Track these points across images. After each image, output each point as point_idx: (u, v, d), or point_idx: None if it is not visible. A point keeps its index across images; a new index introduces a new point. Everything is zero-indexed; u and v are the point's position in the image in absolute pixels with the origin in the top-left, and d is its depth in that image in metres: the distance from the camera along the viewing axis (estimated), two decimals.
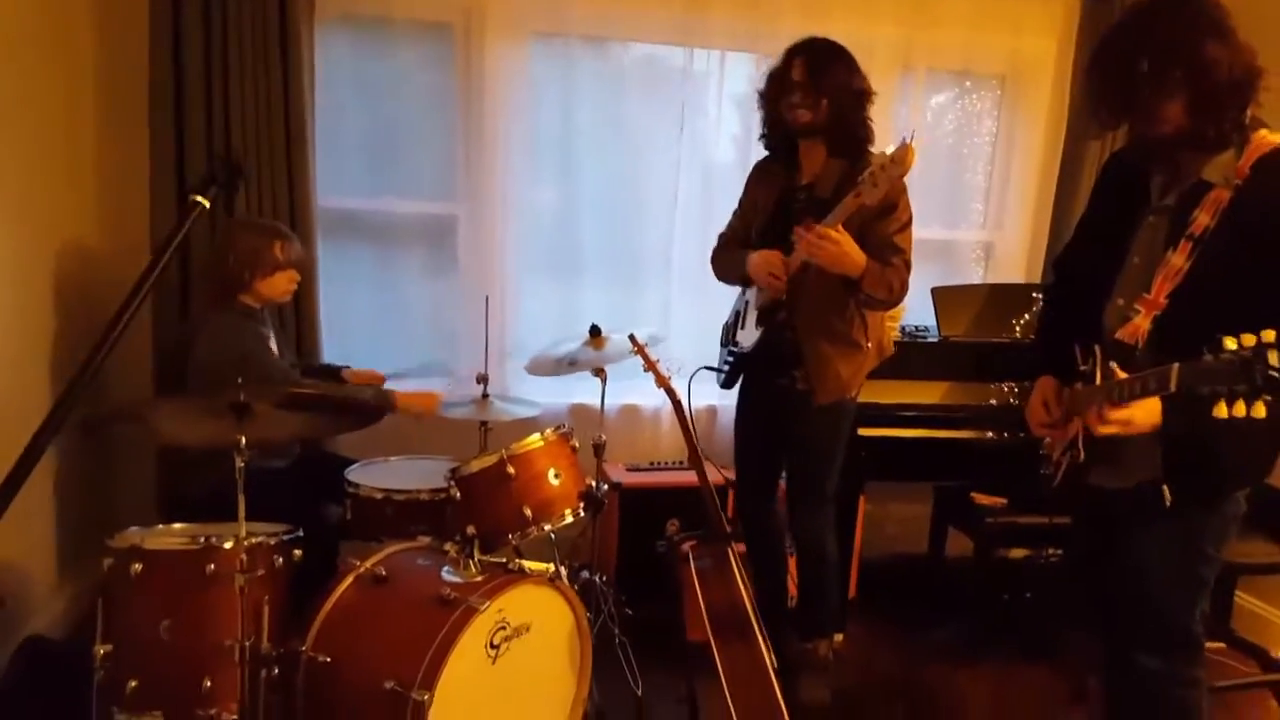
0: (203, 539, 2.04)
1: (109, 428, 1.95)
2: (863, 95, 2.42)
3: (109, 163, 2.98)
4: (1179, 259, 1.65)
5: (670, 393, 2.26)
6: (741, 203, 2.74)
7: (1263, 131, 1.62)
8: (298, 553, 2.17)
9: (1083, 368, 1.84)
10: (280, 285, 2.67)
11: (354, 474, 2.62)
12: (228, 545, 2.01)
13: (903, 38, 3.36)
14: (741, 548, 2.81)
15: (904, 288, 2.42)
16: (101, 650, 1.98)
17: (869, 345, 2.53)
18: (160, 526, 2.24)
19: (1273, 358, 1.33)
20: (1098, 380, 1.75)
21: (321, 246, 3.12)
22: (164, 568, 2.01)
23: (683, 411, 2.27)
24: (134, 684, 1.97)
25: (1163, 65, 1.58)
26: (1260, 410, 1.35)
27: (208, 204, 1.42)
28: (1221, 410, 1.37)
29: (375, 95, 3.19)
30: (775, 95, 2.47)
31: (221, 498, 2.46)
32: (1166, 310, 1.66)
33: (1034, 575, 3.62)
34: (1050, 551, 3.66)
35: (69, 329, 2.76)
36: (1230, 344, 1.37)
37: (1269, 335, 1.35)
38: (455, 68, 3.20)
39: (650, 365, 2.29)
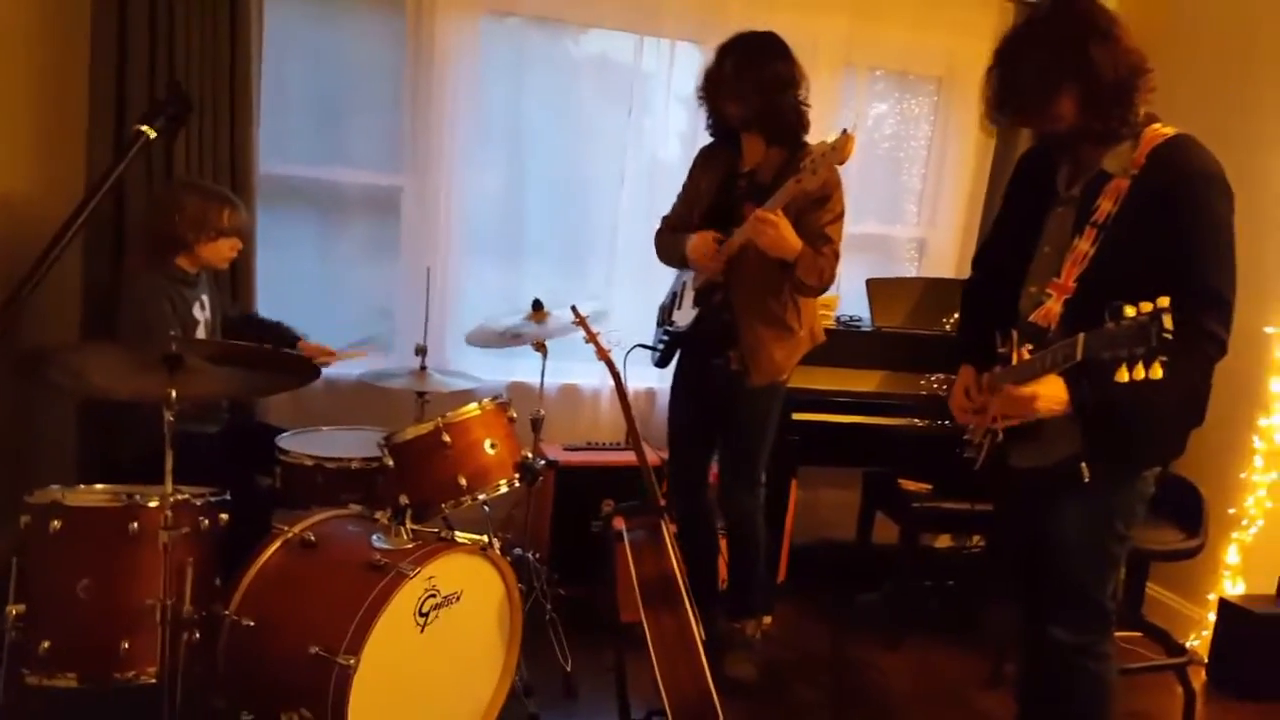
0: (126, 496, 1.99)
1: (37, 371, 1.88)
2: (793, 82, 2.48)
3: (47, 116, 2.90)
4: (1085, 245, 1.77)
5: (610, 365, 2.28)
6: (686, 187, 2.79)
7: (1155, 125, 1.74)
8: (224, 516, 2.14)
9: (1000, 350, 1.93)
10: (222, 251, 2.64)
11: (285, 441, 2.59)
12: (152, 504, 1.97)
13: (846, 34, 3.44)
14: (674, 528, 2.88)
15: (832, 276, 2.50)
16: (14, 611, 1.93)
17: (802, 331, 2.60)
18: (81, 486, 2.17)
19: (1166, 321, 1.45)
20: (1014, 361, 1.84)
21: (262, 213, 3.07)
22: (84, 525, 1.96)
23: (621, 383, 2.29)
24: (47, 645, 1.92)
25: (1051, 67, 1.71)
26: (1157, 371, 1.46)
27: (154, 134, 1.38)
28: (1123, 374, 1.47)
29: (324, 63, 3.16)
30: (711, 93, 2.54)
31: (148, 463, 2.40)
32: (1075, 293, 1.77)
33: (957, 563, 3.75)
34: (973, 541, 3.81)
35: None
36: (1129, 311, 1.49)
37: (1163, 301, 1.46)
38: (405, 41, 3.18)
39: (591, 337, 2.31)
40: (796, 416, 3.01)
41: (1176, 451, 1.93)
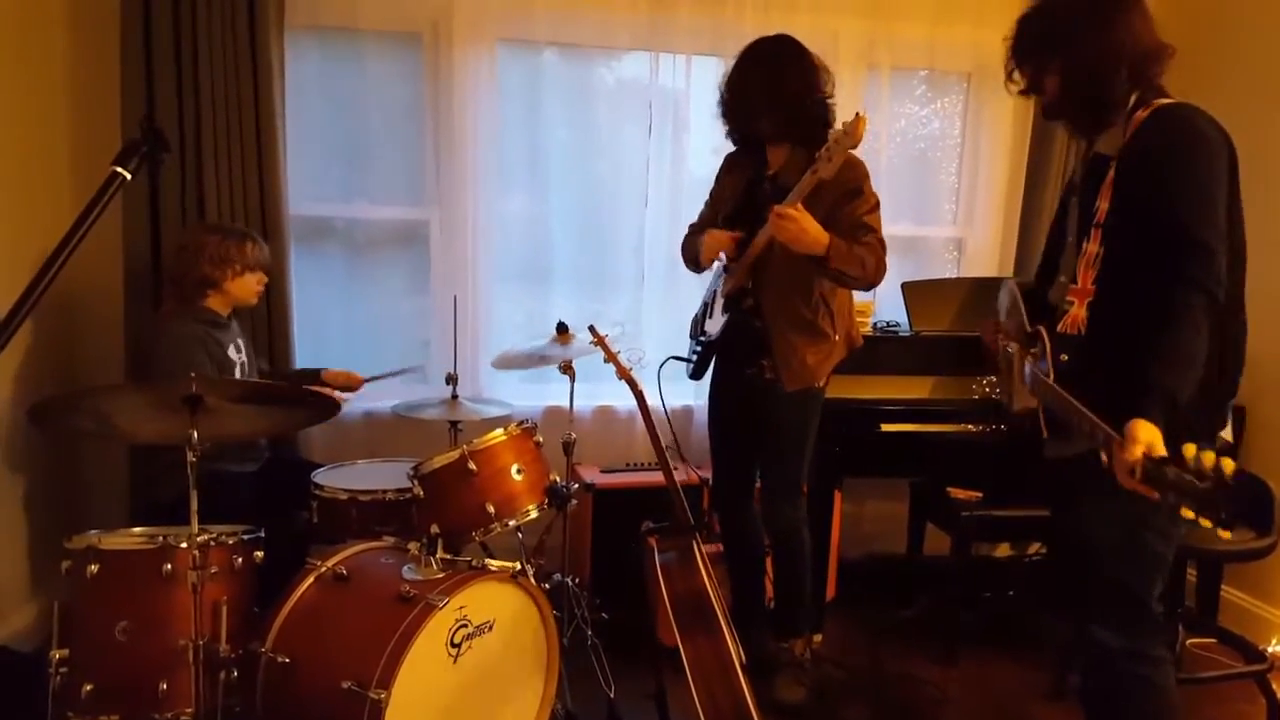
0: (160, 539, 2.02)
1: (60, 419, 1.92)
2: (818, 85, 2.42)
3: (83, 173, 2.98)
4: (1093, 246, 1.76)
5: (631, 384, 2.25)
6: (712, 193, 2.76)
7: (1159, 100, 1.72)
8: (259, 554, 2.15)
9: (1032, 349, 1.87)
10: (250, 285, 2.70)
11: (320, 476, 2.61)
12: (184, 545, 1.98)
13: (866, 34, 3.38)
14: (719, 547, 2.82)
15: (880, 266, 2.40)
16: (58, 655, 1.96)
17: (836, 335, 2.53)
18: (121, 529, 2.21)
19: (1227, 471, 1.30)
20: (1050, 365, 1.80)
21: (294, 253, 3.13)
22: (120, 568, 1.99)
23: (644, 402, 2.26)
24: (89, 687, 1.95)
25: (1044, 37, 1.77)
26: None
27: (129, 175, 1.39)
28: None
29: (346, 103, 3.21)
30: (736, 110, 2.48)
31: (189, 503, 2.46)
32: (1096, 295, 1.75)
33: (1016, 572, 3.61)
34: (1034, 550, 3.67)
35: (43, 328, 2.80)
36: (1189, 454, 1.35)
37: (1227, 465, 1.31)
38: (424, 75, 3.23)
39: (610, 356, 2.28)
40: (838, 428, 2.92)
41: (1206, 426, 1.77)
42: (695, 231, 2.73)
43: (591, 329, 2.37)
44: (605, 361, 2.29)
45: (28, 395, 2.69)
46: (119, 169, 1.38)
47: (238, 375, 2.66)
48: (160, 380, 2.48)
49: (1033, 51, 1.81)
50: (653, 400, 3.11)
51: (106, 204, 1.37)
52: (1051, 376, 1.78)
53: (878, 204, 2.44)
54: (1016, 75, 1.86)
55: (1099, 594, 1.81)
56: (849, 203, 2.38)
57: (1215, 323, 1.61)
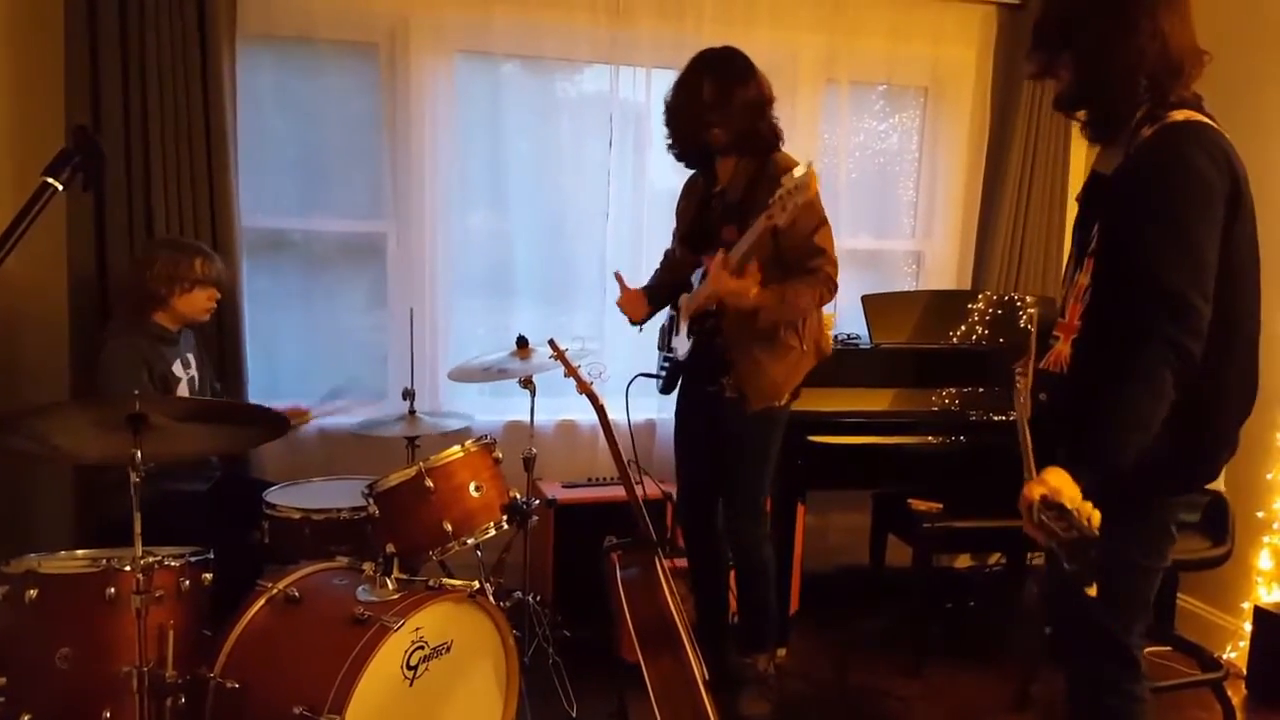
0: (103, 561, 1.95)
1: None
2: (769, 100, 2.43)
3: (26, 180, 2.88)
4: (1084, 278, 1.63)
5: (593, 398, 2.22)
6: (676, 219, 2.75)
7: (1173, 113, 1.54)
8: (207, 576, 2.09)
9: (1017, 381, 1.80)
10: (199, 302, 2.62)
11: (272, 495, 2.54)
12: (128, 568, 1.91)
13: (826, 49, 3.40)
14: (683, 562, 2.80)
15: (820, 296, 2.41)
16: None
17: (804, 346, 2.51)
18: (63, 552, 2.14)
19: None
20: (1026, 402, 1.73)
21: (248, 266, 3.06)
22: (60, 592, 1.92)
23: (605, 417, 2.23)
24: (28, 718, 1.86)
25: (1064, 22, 1.61)
26: None
27: (60, 186, 1.34)
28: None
29: (301, 114, 3.15)
30: (689, 120, 2.45)
31: (144, 520, 2.39)
32: (1081, 332, 1.63)
33: (978, 583, 3.64)
34: (994, 560, 3.70)
35: None
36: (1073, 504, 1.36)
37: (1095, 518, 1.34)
38: (381, 86, 3.18)
39: (571, 371, 2.26)
40: (806, 439, 2.93)
41: (1185, 486, 1.69)
42: (663, 266, 2.80)
43: (551, 343, 2.34)
44: (566, 376, 2.26)
45: None
46: (49, 180, 1.32)
47: (184, 391, 2.59)
48: (101, 398, 2.41)
49: (1046, 37, 1.63)
50: (617, 416, 3.11)
51: (36, 216, 1.31)
52: (1028, 414, 1.68)
53: (824, 219, 2.41)
54: (1031, 56, 1.70)
55: (1077, 629, 1.77)
56: (796, 225, 2.30)
57: (1195, 376, 1.48)
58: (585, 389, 2.22)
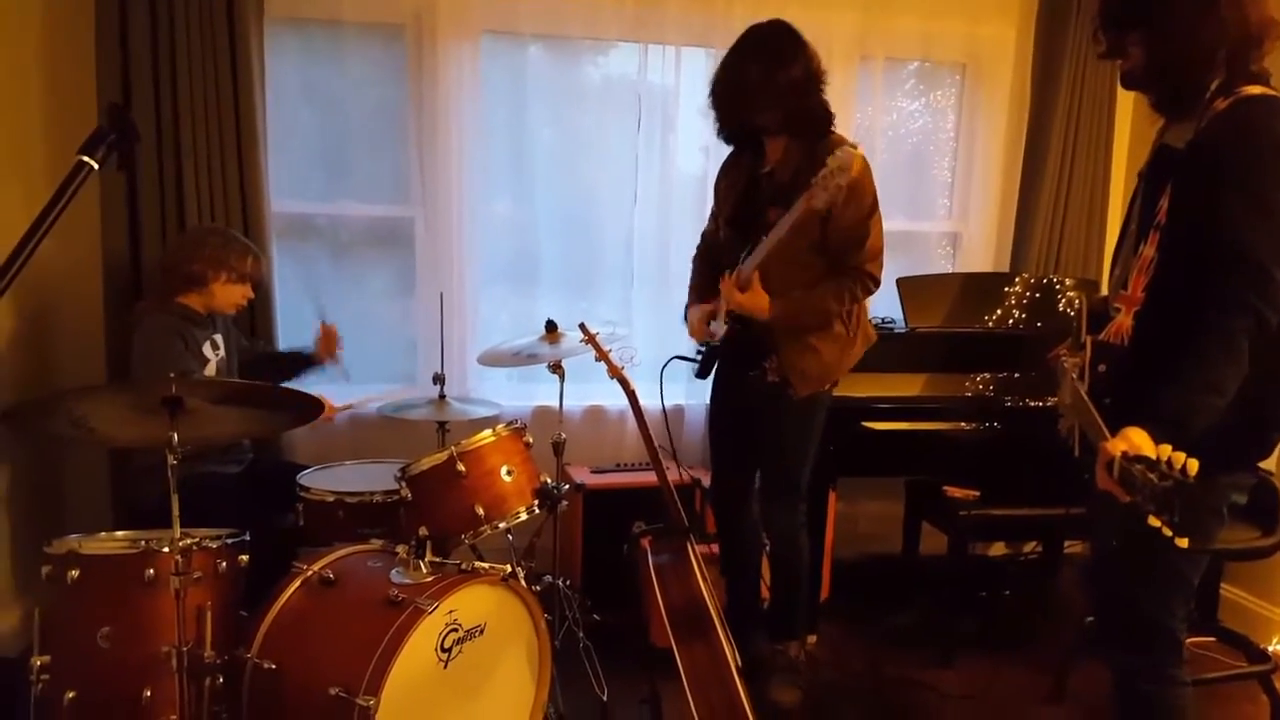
0: (142, 543, 1.97)
1: (34, 423, 1.86)
2: (815, 78, 2.35)
3: (58, 168, 2.91)
4: (1149, 250, 1.61)
5: (624, 383, 2.21)
6: (714, 200, 2.69)
7: (1247, 88, 1.53)
8: (243, 557, 2.10)
9: (1071, 357, 1.77)
10: (234, 296, 2.66)
11: (305, 478, 2.56)
12: (166, 549, 1.93)
13: (859, 26, 3.33)
14: (714, 547, 2.78)
15: (861, 286, 2.36)
16: (39, 661, 1.91)
17: (850, 334, 2.46)
18: (103, 533, 2.16)
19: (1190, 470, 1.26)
20: (1086, 376, 1.70)
21: (276, 250, 3.07)
22: (101, 573, 1.94)
23: (637, 402, 2.21)
24: (71, 695, 1.89)
25: (1127, 6, 1.59)
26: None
27: (96, 165, 1.34)
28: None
29: (328, 98, 3.15)
30: (734, 102, 2.38)
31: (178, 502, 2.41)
32: (1145, 304, 1.62)
33: (1013, 572, 3.59)
34: (1030, 549, 3.65)
35: (22, 328, 2.76)
36: (1162, 453, 1.31)
37: (1192, 466, 1.26)
38: (407, 69, 3.17)
39: (602, 355, 2.24)
40: (844, 425, 2.88)
41: (1239, 454, 1.65)
42: (700, 254, 2.73)
43: (582, 326, 2.32)
44: (597, 360, 2.25)
45: (3, 397, 2.63)
46: (85, 158, 1.32)
47: (211, 372, 2.61)
48: (139, 378, 2.43)
49: (1116, 16, 1.60)
50: (651, 400, 3.09)
51: (74, 195, 1.31)
52: (1085, 387, 1.66)
53: (873, 205, 2.35)
54: (1100, 35, 1.66)
55: (1115, 613, 1.75)
56: (845, 212, 2.28)
57: (1265, 347, 1.48)
58: (617, 373, 2.21)
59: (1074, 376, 1.69)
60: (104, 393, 1.97)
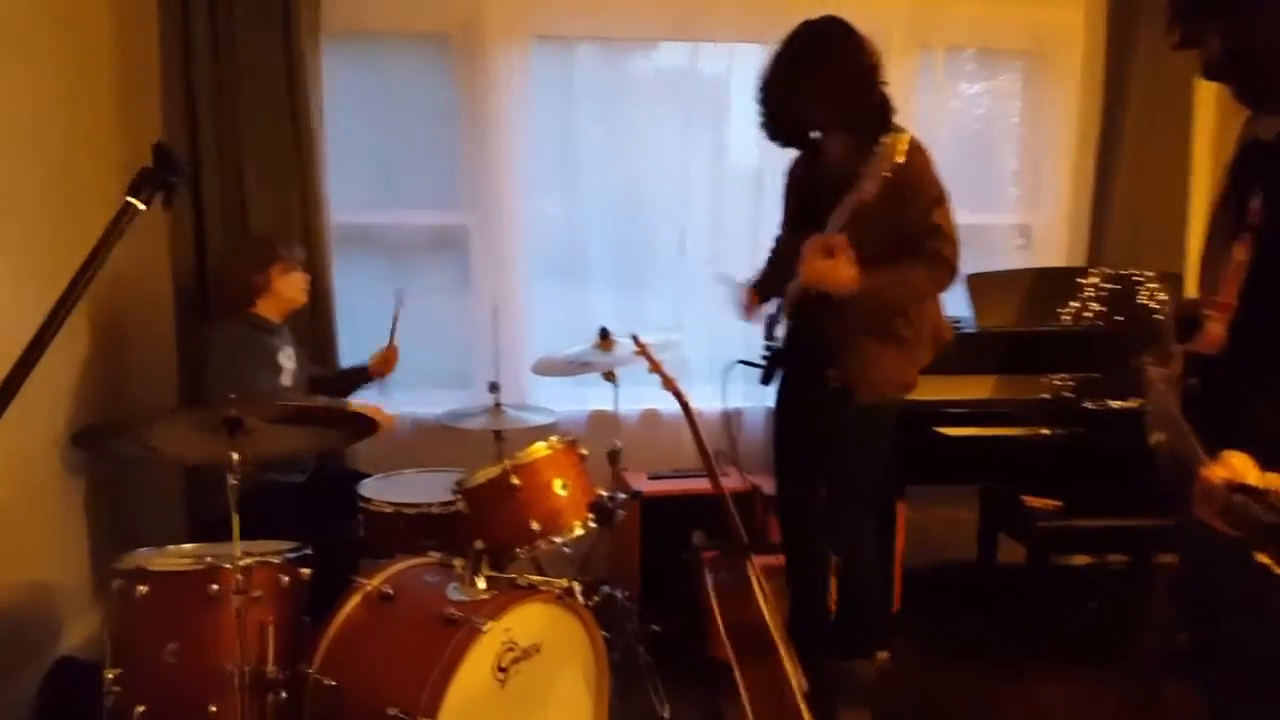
0: (207, 559, 1.99)
1: (103, 444, 1.91)
2: (872, 72, 2.26)
3: (129, 171, 2.99)
4: (1241, 253, 1.47)
5: (678, 395, 2.15)
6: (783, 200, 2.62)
7: None
8: (306, 571, 2.11)
9: (1159, 368, 1.64)
10: (298, 283, 2.73)
11: (366, 489, 2.57)
12: (229, 565, 1.95)
13: (917, 13, 3.23)
14: (777, 559, 2.71)
15: (938, 279, 2.25)
16: (110, 674, 1.95)
17: (917, 336, 2.35)
18: (171, 547, 2.20)
19: None
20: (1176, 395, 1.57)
21: (336, 260, 3.10)
22: (168, 589, 1.97)
23: (691, 414, 2.16)
24: (141, 709, 1.92)
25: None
26: None
27: (143, 206, 1.34)
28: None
29: (381, 108, 3.18)
30: (782, 99, 2.31)
31: (242, 512, 2.45)
32: (1240, 310, 1.47)
33: (1098, 582, 3.41)
34: (1115, 558, 3.46)
35: (99, 341, 2.84)
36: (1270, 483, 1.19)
37: None
38: (457, 77, 3.17)
39: (655, 366, 2.19)
40: (912, 431, 2.77)
41: None
42: (771, 262, 2.64)
43: (635, 338, 2.27)
44: (650, 372, 2.20)
45: (82, 411, 2.71)
46: (132, 200, 1.33)
47: (287, 381, 2.66)
48: (206, 395, 2.48)
49: (1196, 4, 1.49)
50: (710, 403, 3.03)
51: (118, 237, 1.32)
52: (1177, 403, 1.51)
53: (941, 196, 2.26)
54: (1175, 25, 1.52)
55: (1215, 639, 1.60)
56: (910, 203, 2.20)
57: None
58: (670, 385, 2.16)
59: (1163, 390, 1.56)
60: (167, 417, 2.01)
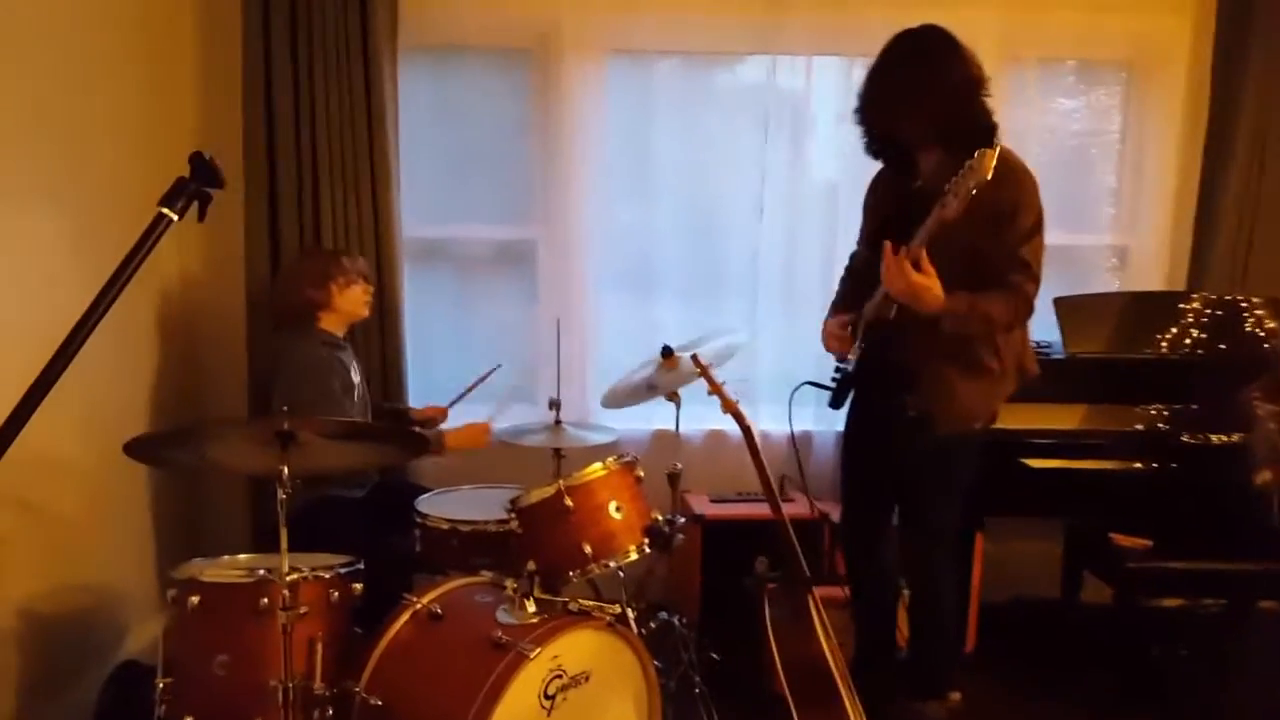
0: (260, 572, 1.98)
1: (156, 454, 1.92)
2: (974, 84, 2.13)
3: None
4: None
5: (739, 418, 2.06)
6: (863, 217, 2.51)
7: None
8: (358, 586, 2.09)
9: (1270, 404, 1.49)
10: (359, 296, 2.71)
11: (423, 504, 2.55)
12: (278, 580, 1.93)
13: (1007, 25, 3.08)
14: (841, 590, 2.58)
15: (1019, 313, 2.12)
16: (162, 683, 1.95)
17: (1002, 366, 2.21)
18: (226, 557, 2.21)
19: None
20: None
21: (407, 274, 3.11)
22: (218, 601, 1.96)
23: (752, 438, 2.06)
24: None
25: None
26: None
27: (177, 217, 1.33)
28: None
29: (455, 123, 3.18)
30: (879, 112, 2.21)
31: (302, 524, 2.45)
32: None
33: (1190, 625, 3.17)
34: (1210, 601, 3.21)
35: (171, 351, 2.90)
36: None
37: None
38: (533, 90, 3.16)
39: (715, 388, 2.10)
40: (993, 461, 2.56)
41: None
42: (848, 270, 2.53)
43: (694, 358, 2.19)
44: (710, 394, 2.11)
45: (154, 420, 2.78)
46: (165, 210, 1.31)
47: (357, 398, 2.66)
48: (313, 405, 2.46)
49: None
50: (777, 425, 2.92)
51: (150, 248, 1.30)
52: None
53: (1036, 227, 2.11)
54: None
55: None
56: (1001, 231, 2.07)
57: None
58: (731, 408, 2.07)
59: (1273, 428, 1.41)
60: (222, 428, 2.02)
